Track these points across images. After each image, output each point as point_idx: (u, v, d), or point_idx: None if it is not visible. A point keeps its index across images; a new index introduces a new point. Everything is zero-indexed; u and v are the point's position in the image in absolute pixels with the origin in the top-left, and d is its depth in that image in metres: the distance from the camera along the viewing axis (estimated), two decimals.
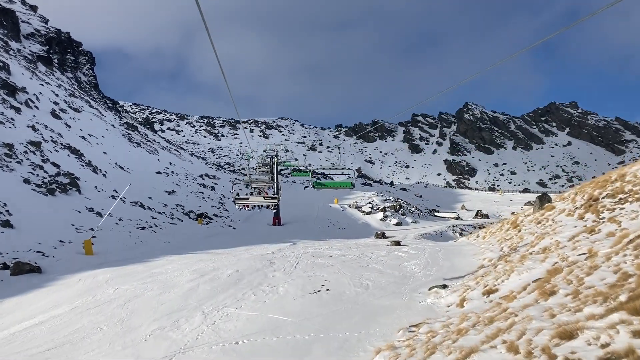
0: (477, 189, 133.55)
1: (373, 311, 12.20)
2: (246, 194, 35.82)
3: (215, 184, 54.45)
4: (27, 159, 32.03)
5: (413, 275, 15.76)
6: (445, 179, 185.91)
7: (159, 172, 49.67)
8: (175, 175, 51.28)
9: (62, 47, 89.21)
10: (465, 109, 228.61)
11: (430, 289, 13.82)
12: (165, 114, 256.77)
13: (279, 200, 30.58)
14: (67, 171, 33.00)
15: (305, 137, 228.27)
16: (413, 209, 57.11)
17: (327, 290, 14.16)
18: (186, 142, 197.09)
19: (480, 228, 50.43)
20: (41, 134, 38.94)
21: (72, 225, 24.69)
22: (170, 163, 55.84)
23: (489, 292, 11.60)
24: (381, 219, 48.23)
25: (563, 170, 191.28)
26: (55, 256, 19.67)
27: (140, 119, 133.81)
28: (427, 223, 51.99)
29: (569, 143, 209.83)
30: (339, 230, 42.30)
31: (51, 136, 40.38)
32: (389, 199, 57.12)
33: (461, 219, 60.16)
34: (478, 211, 67.61)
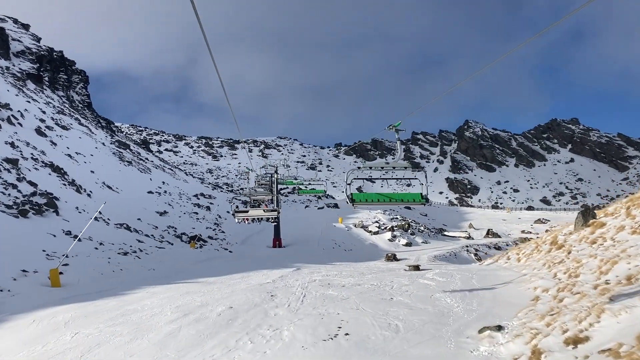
0: (480, 207, 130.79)
1: None
2: (245, 207, 32.96)
3: (211, 203, 51.28)
4: (0, 177, 28.90)
5: (452, 311, 12.51)
6: (447, 197, 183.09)
7: (150, 192, 46.51)
8: (168, 195, 48.11)
9: (53, 66, 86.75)
10: (465, 127, 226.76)
11: (480, 332, 10.58)
12: (162, 135, 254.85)
13: (279, 213, 27.69)
14: (45, 191, 29.83)
15: (304, 156, 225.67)
16: (422, 228, 53.81)
17: (346, 334, 10.89)
18: (184, 163, 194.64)
19: (496, 248, 47.21)
20: (20, 151, 35.88)
21: (43, 251, 21.44)
22: (163, 182, 52.71)
23: (576, 341, 8.41)
24: (389, 240, 44.99)
25: (567, 187, 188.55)
26: (12, 289, 16.35)
27: (137, 140, 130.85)
28: (437, 243, 48.71)
29: (572, 160, 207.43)
30: (345, 253, 39.01)
31: (32, 154, 37.32)
32: (396, 218, 53.94)
33: (472, 238, 56.95)
34: (489, 230, 64.42)
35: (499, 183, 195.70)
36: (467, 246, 44.44)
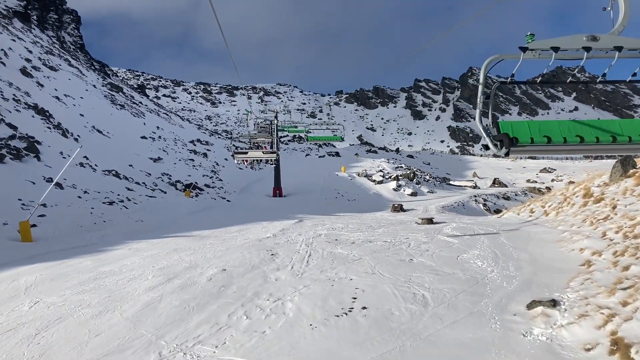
0: (481, 155, 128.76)
1: (453, 356, 7.01)
2: (244, 149, 31.76)
3: (208, 150, 49.00)
4: None
5: (486, 278, 10.48)
6: (449, 146, 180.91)
7: (143, 137, 44.13)
8: (162, 141, 45.74)
9: (42, 4, 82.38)
10: (469, 74, 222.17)
11: (530, 307, 8.55)
12: (160, 80, 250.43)
13: (278, 156, 27.15)
14: (26, 134, 27.45)
15: (304, 103, 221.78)
16: (427, 177, 51.71)
17: (364, 308, 8.86)
18: (182, 109, 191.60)
19: (504, 198, 45.24)
20: (1, 92, 33.24)
21: (19, 200, 19.32)
22: (158, 127, 50.18)
23: None
24: (394, 189, 42.98)
25: None
26: None
27: (133, 85, 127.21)
28: (443, 193, 46.76)
29: (576, 108, 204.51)
30: (349, 203, 37.07)
31: (14, 94, 34.69)
32: (401, 167, 51.79)
33: (478, 188, 55.03)
34: (495, 179, 62.45)
35: None
36: (474, 196, 42.45)
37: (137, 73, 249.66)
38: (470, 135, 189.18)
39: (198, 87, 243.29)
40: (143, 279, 10.91)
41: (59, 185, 22.59)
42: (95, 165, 28.35)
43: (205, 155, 44.96)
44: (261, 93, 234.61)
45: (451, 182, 54.82)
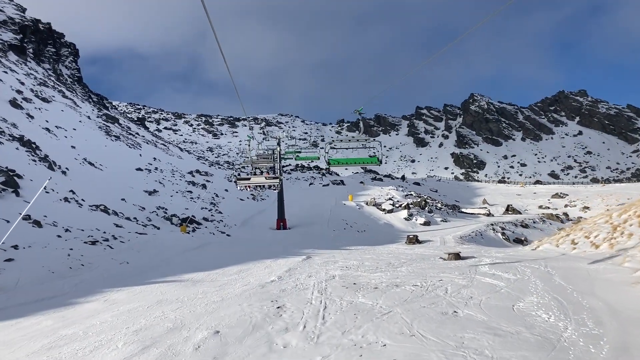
0: (491, 182, 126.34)
1: None
2: (247, 174, 29.71)
3: (207, 181, 46.59)
4: None
5: (562, 338, 7.88)
6: (452, 173, 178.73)
7: (139, 169, 41.79)
8: (159, 172, 43.39)
9: (39, 37, 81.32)
10: (471, 100, 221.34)
11: None
12: (161, 113, 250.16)
13: (281, 181, 25.78)
14: (6, 167, 25.08)
15: (306, 133, 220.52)
16: (439, 205, 49.12)
17: None
18: (184, 142, 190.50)
19: (522, 226, 42.54)
20: None
21: None
22: (155, 158, 47.90)
23: None
24: (405, 218, 40.41)
25: (575, 160, 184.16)
26: None
27: (132, 118, 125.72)
28: (457, 221, 44.14)
29: (580, 132, 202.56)
30: (358, 234, 34.49)
31: None
32: (411, 194, 49.26)
33: (492, 215, 52.36)
34: (508, 206, 59.83)
35: (505, 157, 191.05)
36: (491, 224, 39.80)
37: (139, 106, 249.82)
38: (475, 161, 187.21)
39: (199, 119, 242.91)
40: (111, 348, 8.31)
41: (37, 223, 20.11)
42: (82, 199, 25.91)
43: (204, 186, 42.58)
44: (263, 124, 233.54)
45: (463, 210, 52.23)
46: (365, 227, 37.05)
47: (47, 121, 41.95)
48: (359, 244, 29.06)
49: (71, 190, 26.41)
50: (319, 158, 34.07)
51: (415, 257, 19.12)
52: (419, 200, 45.57)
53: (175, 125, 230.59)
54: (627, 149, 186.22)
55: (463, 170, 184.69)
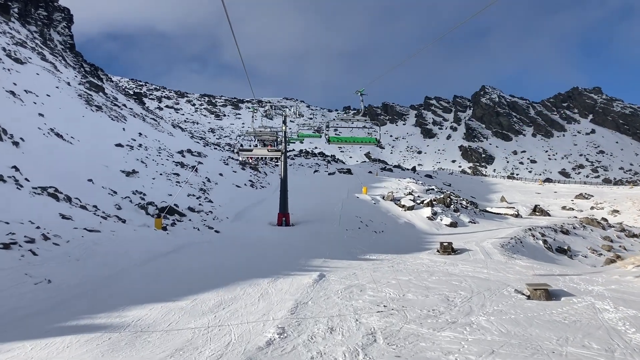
0: (494, 176, 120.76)
1: None
2: (250, 146, 24.86)
3: (199, 162, 40.35)
4: None
5: None
6: (460, 166, 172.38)
7: (119, 145, 35.52)
8: (143, 150, 37.08)
9: None
10: (482, 93, 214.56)
11: None
12: (164, 91, 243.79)
13: (282, 154, 26.97)
14: None
15: (311, 118, 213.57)
16: (464, 202, 42.91)
17: None
18: (185, 121, 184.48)
19: (563, 232, 36.41)
20: None
21: None
22: (140, 134, 41.51)
23: None
24: (429, 218, 34.34)
25: (587, 159, 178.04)
26: None
27: (129, 92, 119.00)
28: (486, 223, 38.05)
29: (593, 131, 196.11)
30: (376, 235, 28.44)
31: None
32: (432, 189, 43.04)
33: (521, 216, 46.23)
34: (536, 206, 53.71)
35: (515, 153, 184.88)
36: (529, 229, 33.72)
37: (140, 83, 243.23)
38: (484, 155, 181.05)
39: (202, 99, 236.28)
40: None
41: None
42: (26, 179, 19.78)
43: (195, 169, 36.35)
44: (267, 107, 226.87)
45: (488, 209, 45.93)
46: (383, 226, 30.92)
47: (14, 84, 35.66)
48: (379, 250, 23.04)
49: (14, 167, 20.22)
50: (320, 136, 32.32)
51: (475, 287, 13.05)
52: (442, 196, 39.39)
53: (178, 104, 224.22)
54: None
55: (471, 164, 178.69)
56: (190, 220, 24.94)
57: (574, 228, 38.59)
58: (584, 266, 29.82)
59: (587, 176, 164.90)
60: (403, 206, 35.46)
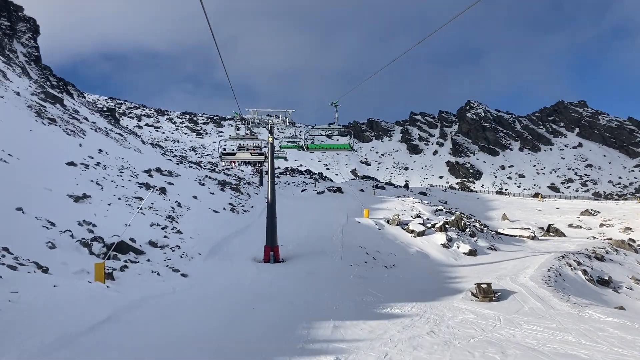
0: (482, 192, 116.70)
1: None
2: (233, 150, 23.32)
3: (170, 183, 34.40)
4: None
5: None
6: (448, 182, 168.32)
7: (71, 164, 29.46)
8: (100, 169, 31.01)
9: None
10: (467, 108, 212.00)
11: None
12: (143, 109, 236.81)
13: (266, 158, 25.79)
14: None
15: (295, 135, 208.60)
16: (478, 225, 37.36)
17: None
18: (165, 139, 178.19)
19: (597, 259, 31.09)
20: None
21: None
22: (100, 150, 35.37)
23: None
24: (444, 245, 28.73)
25: (576, 173, 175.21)
26: None
27: (102, 109, 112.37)
28: (505, 249, 32.60)
29: (580, 144, 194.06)
30: (387, 272, 22.68)
31: None
32: (441, 210, 37.50)
33: (537, 238, 40.91)
34: (549, 226, 48.43)
35: (503, 168, 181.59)
36: (563, 257, 28.31)
37: (119, 101, 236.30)
38: (471, 171, 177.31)
39: (183, 116, 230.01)
40: None
41: None
42: None
43: (163, 191, 30.34)
44: (251, 113, 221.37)
45: (502, 231, 40.37)
46: (393, 258, 25.21)
47: None
48: (398, 295, 17.38)
49: None
50: (300, 146, 28.56)
51: None
52: (453, 218, 33.86)
53: (158, 122, 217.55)
54: (629, 163, 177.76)
55: (459, 180, 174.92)
56: (149, 260, 18.98)
57: (607, 253, 33.33)
58: (636, 302, 24.74)
59: (577, 190, 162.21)
60: (412, 231, 29.82)
